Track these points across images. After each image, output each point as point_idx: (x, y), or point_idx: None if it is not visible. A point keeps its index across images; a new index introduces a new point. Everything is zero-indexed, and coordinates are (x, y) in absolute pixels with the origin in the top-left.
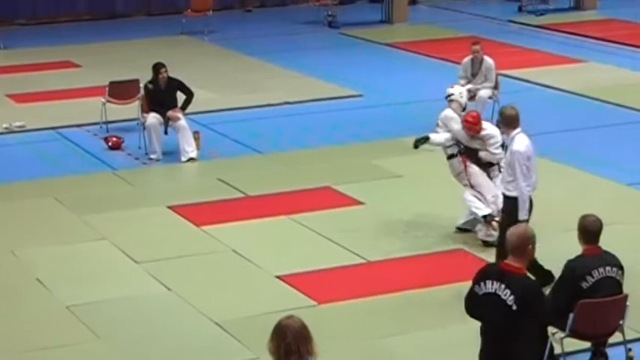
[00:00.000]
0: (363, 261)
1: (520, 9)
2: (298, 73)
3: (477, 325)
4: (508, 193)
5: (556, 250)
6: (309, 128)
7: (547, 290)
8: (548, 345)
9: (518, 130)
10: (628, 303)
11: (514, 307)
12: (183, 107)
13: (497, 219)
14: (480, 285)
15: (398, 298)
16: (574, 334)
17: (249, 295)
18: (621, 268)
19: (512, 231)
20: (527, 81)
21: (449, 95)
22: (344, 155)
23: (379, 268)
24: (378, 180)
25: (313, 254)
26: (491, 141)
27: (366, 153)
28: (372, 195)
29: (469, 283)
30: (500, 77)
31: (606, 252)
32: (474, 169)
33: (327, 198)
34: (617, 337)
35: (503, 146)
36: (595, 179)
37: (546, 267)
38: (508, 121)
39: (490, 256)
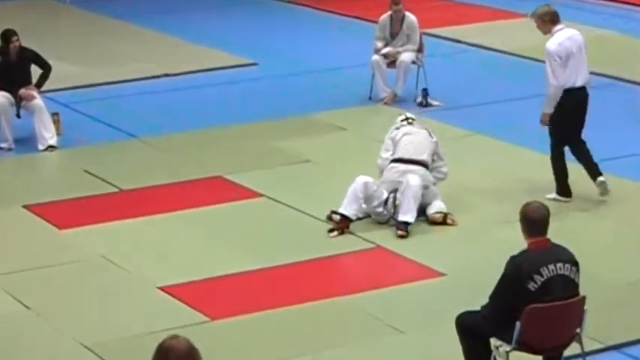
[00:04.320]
0: (263, 266)
1: None
2: (179, 39)
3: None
4: None
5: (502, 244)
6: (195, 106)
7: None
8: None
9: (557, 27)
10: (586, 307)
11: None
12: (39, 84)
13: None
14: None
15: (306, 310)
16: (521, 346)
17: (126, 312)
18: (576, 264)
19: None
20: (458, 41)
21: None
22: (237, 137)
23: (282, 274)
24: (279, 167)
25: (203, 259)
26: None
27: (265, 134)
28: (273, 185)
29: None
30: (425, 38)
31: (556, 245)
32: None
33: (218, 190)
34: (573, 348)
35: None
36: (544, 160)
37: (484, 265)
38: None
39: (407, 251)
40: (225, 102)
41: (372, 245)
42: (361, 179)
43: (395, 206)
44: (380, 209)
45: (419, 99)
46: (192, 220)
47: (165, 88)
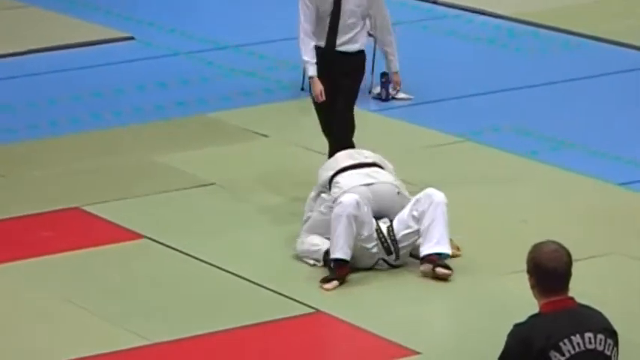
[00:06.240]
0: (143, 343)
1: None
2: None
3: None
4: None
5: (501, 304)
6: (35, 102)
7: None
8: None
9: None
10: None
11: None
12: None
13: None
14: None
15: None
16: None
17: None
18: (613, 334)
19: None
20: (434, 2)
21: None
22: (103, 148)
23: (171, 354)
24: (167, 193)
25: (57, 333)
26: None
27: (145, 143)
28: (159, 221)
29: None
30: None
31: (584, 307)
32: None
33: (76, 229)
34: None
35: None
36: (566, 179)
37: (474, 338)
38: None
39: (359, 318)
40: (83, 95)
41: (310, 310)
42: (350, 199)
43: (392, 239)
44: (371, 244)
45: (376, 89)
46: (40, 275)
47: None
